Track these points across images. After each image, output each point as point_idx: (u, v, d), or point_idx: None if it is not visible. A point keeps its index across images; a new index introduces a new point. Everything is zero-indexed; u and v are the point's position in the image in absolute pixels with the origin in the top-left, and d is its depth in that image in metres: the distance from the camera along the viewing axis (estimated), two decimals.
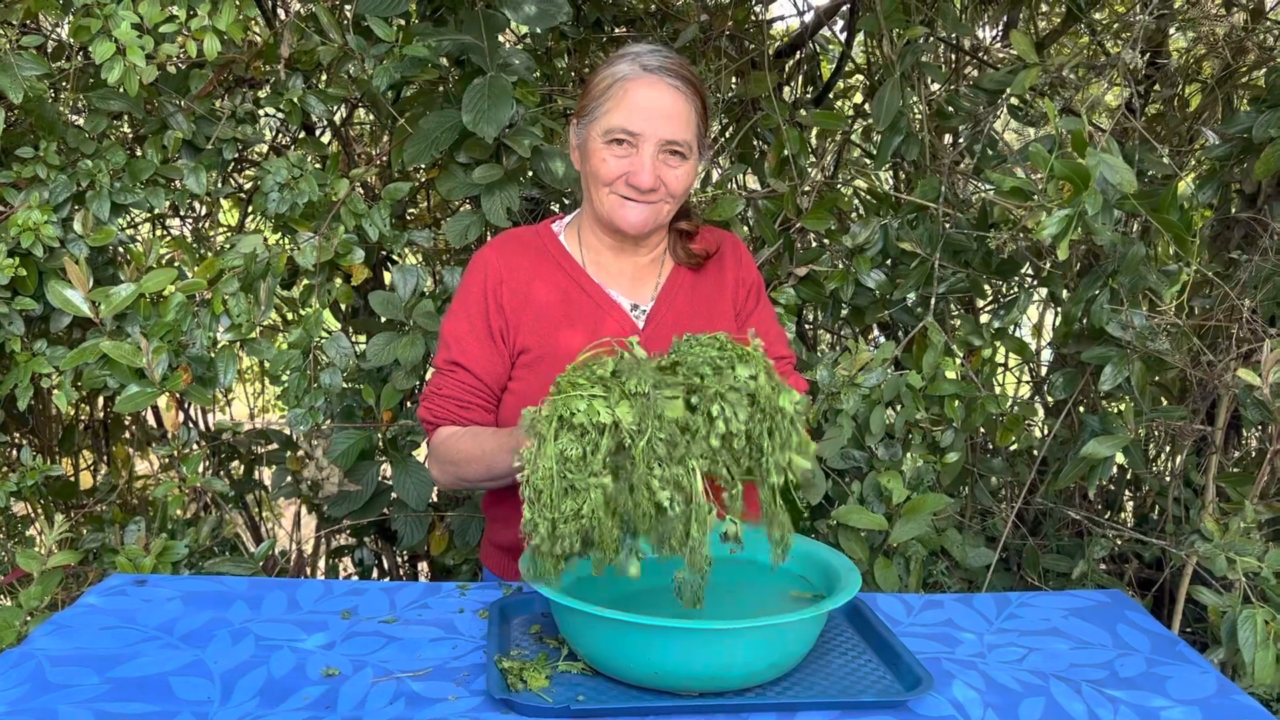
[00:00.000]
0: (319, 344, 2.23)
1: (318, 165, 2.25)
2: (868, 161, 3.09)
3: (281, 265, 2.14)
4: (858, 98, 3.40)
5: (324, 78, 2.46)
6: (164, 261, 2.04)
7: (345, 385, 2.27)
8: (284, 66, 2.21)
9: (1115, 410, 2.44)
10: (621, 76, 1.61)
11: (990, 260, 2.36)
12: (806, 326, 3.18)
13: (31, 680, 1.23)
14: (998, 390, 2.75)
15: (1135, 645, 1.42)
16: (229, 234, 2.99)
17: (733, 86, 2.91)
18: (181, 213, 2.80)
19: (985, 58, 2.99)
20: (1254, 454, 2.82)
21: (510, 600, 1.46)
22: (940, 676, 1.30)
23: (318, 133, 2.88)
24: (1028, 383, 3.21)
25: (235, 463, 2.97)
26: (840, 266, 2.38)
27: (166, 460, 2.26)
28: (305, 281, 2.27)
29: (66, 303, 1.92)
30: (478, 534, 2.43)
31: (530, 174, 2.33)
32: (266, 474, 2.86)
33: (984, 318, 2.84)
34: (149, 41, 1.89)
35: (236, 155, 2.32)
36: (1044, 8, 3.22)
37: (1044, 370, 3.14)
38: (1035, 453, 2.51)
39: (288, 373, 2.13)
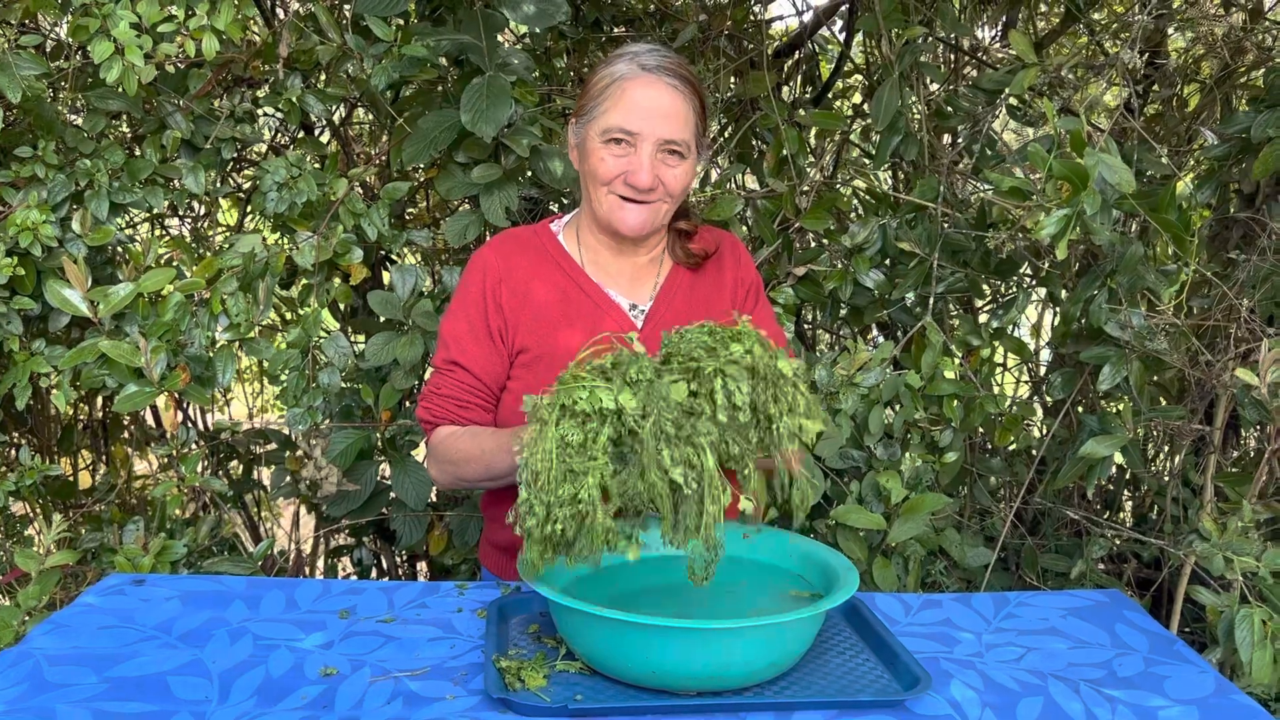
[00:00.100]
0: (317, 343, 2.23)
1: (316, 165, 2.25)
2: (866, 161, 3.09)
3: (280, 265, 2.14)
4: (856, 98, 3.40)
5: (323, 77, 2.46)
6: (162, 261, 2.04)
7: (344, 385, 2.27)
8: (283, 66, 2.21)
9: (1114, 410, 2.45)
10: (620, 76, 1.61)
11: (989, 260, 2.36)
12: (805, 326, 3.18)
13: (30, 679, 1.23)
14: (996, 390, 2.75)
15: (1133, 645, 1.42)
16: (227, 233, 2.99)
17: (731, 86, 2.91)
18: (180, 212, 2.80)
19: (984, 58, 2.99)
20: (1252, 454, 2.82)
21: (508, 600, 1.46)
22: (938, 676, 1.30)
23: (316, 132, 2.88)
24: (1026, 382, 3.21)
25: (234, 462, 2.97)
26: (839, 266, 2.38)
27: (165, 460, 2.26)
28: (304, 281, 2.27)
29: (65, 302, 1.91)
30: (476, 533, 2.43)
31: (529, 174, 2.33)
32: (265, 474, 2.86)
33: (982, 317, 2.84)
34: (147, 41, 1.89)
35: (235, 155, 2.32)
36: (1043, 8, 3.22)
37: (1042, 370, 3.14)
38: (1034, 452, 2.51)
39: (286, 372, 2.13)
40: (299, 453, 2.60)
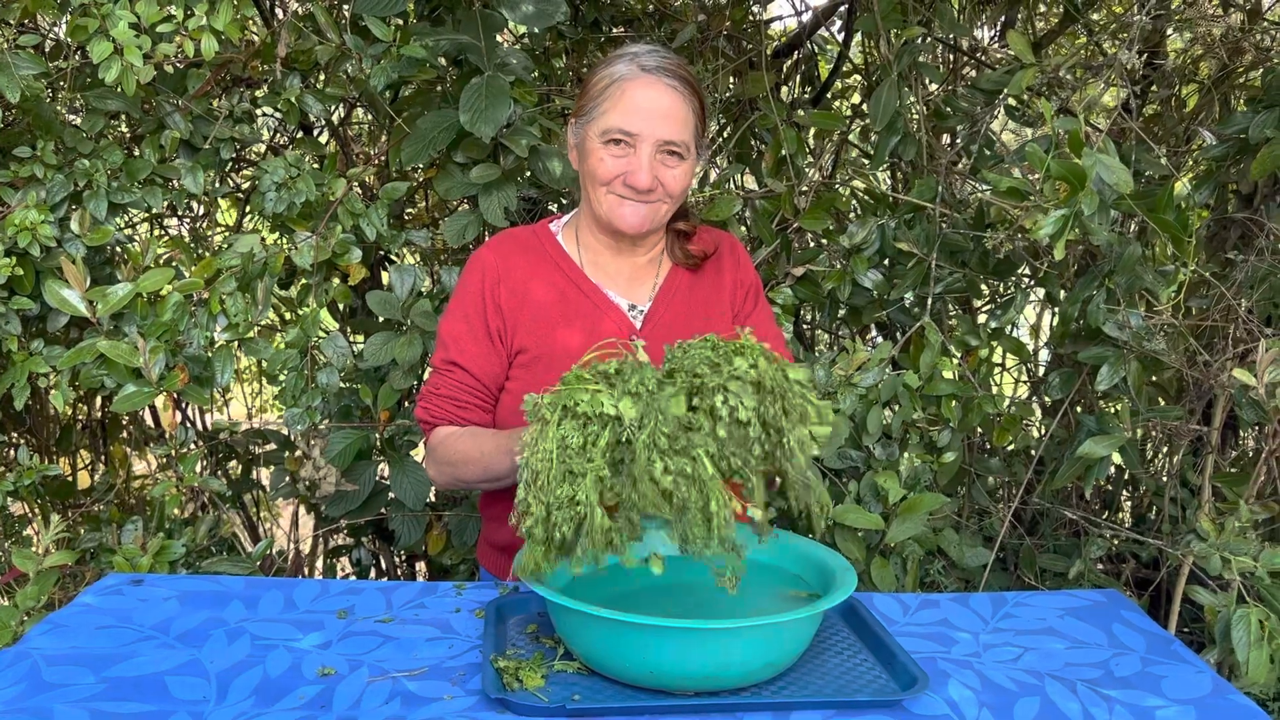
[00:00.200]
0: (316, 344, 2.23)
1: (315, 165, 2.25)
2: (865, 162, 3.09)
3: (279, 265, 2.14)
4: (855, 98, 3.40)
5: (321, 77, 2.46)
6: (161, 261, 2.04)
7: (342, 385, 2.27)
8: (281, 66, 2.21)
9: (1112, 410, 2.45)
10: (620, 77, 1.61)
11: (987, 260, 2.36)
12: (804, 326, 3.18)
13: (28, 679, 1.23)
14: (995, 390, 2.76)
15: (1131, 645, 1.42)
16: (226, 233, 2.99)
17: (730, 86, 2.91)
18: (179, 212, 2.80)
19: (982, 58, 2.99)
20: (1250, 454, 2.82)
21: (507, 600, 1.46)
22: (936, 676, 1.30)
23: (315, 132, 2.88)
24: (1025, 383, 3.21)
25: (233, 462, 2.97)
26: (837, 266, 2.39)
27: (164, 460, 2.26)
28: (303, 281, 2.27)
29: (63, 302, 1.91)
30: (475, 534, 2.43)
31: (528, 174, 2.33)
32: (264, 474, 2.86)
33: (981, 318, 2.84)
34: (146, 41, 1.89)
35: (234, 155, 2.32)
36: (1041, 8, 3.22)
37: (1041, 370, 3.14)
38: (1032, 452, 2.51)
39: (285, 372, 2.13)
40: (298, 453, 2.60)
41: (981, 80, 2.47)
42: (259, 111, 2.39)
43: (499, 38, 2.24)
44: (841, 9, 3.08)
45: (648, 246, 1.75)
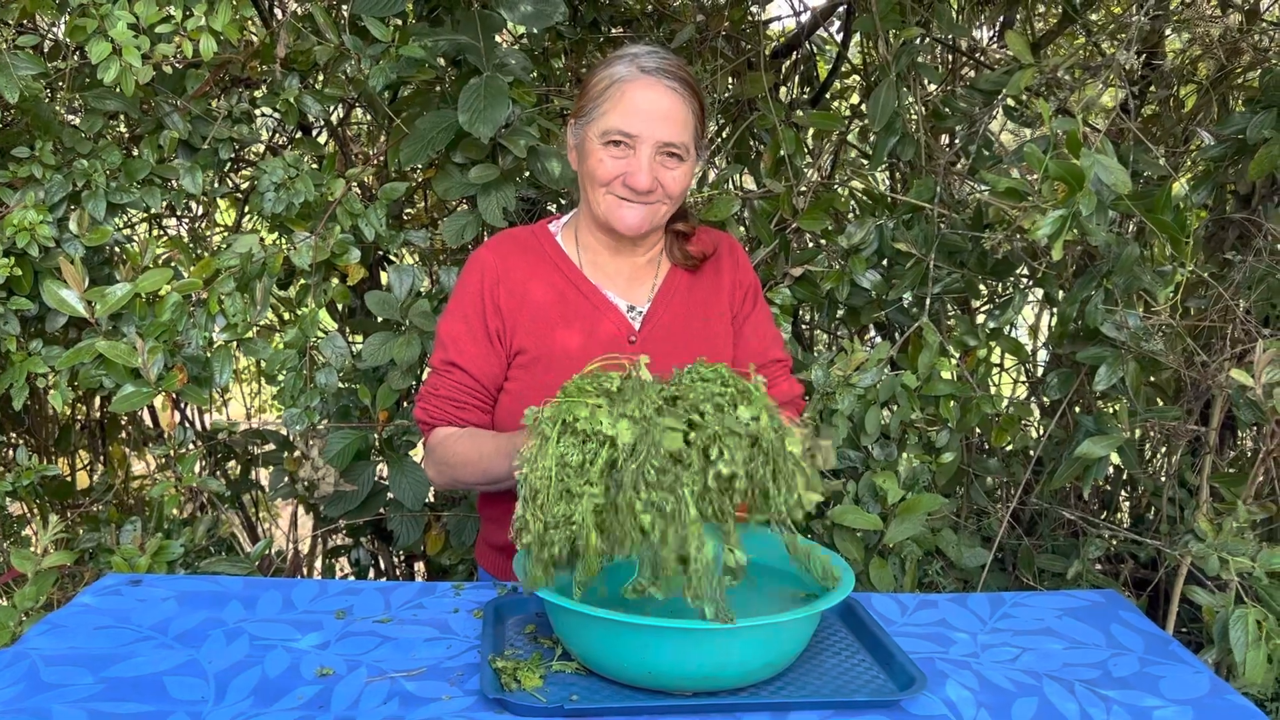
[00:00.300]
0: (315, 344, 2.23)
1: (314, 165, 2.25)
2: (864, 162, 3.10)
3: (277, 265, 2.14)
4: (854, 98, 3.40)
5: (320, 78, 2.46)
6: (160, 261, 2.04)
7: (341, 385, 2.27)
8: (280, 66, 2.21)
9: (1110, 410, 2.45)
10: (619, 78, 1.61)
11: (985, 261, 2.36)
12: (802, 327, 3.18)
13: (26, 680, 1.23)
14: (993, 390, 2.76)
15: (1129, 645, 1.43)
16: (225, 234, 2.99)
17: (729, 87, 2.91)
18: (178, 212, 2.80)
19: (981, 58, 2.99)
20: (1248, 454, 2.82)
21: (505, 600, 1.46)
22: (934, 676, 1.30)
23: (314, 133, 2.87)
24: (1023, 383, 3.21)
25: (232, 463, 2.97)
26: (836, 267, 2.39)
27: (163, 460, 2.26)
28: (301, 281, 2.27)
29: (62, 303, 1.92)
30: (473, 534, 2.43)
31: (526, 174, 2.33)
32: (263, 474, 2.86)
33: (979, 318, 2.84)
34: (145, 41, 1.89)
35: (233, 155, 2.32)
36: (1040, 9, 3.22)
37: (1039, 370, 3.14)
38: (1030, 453, 2.51)
39: (284, 373, 2.13)
40: (296, 453, 2.60)
41: (980, 81, 2.47)
42: (258, 112, 2.39)
43: (498, 38, 2.24)
44: (840, 9, 3.08)
45: (647, 247, 1.75)
